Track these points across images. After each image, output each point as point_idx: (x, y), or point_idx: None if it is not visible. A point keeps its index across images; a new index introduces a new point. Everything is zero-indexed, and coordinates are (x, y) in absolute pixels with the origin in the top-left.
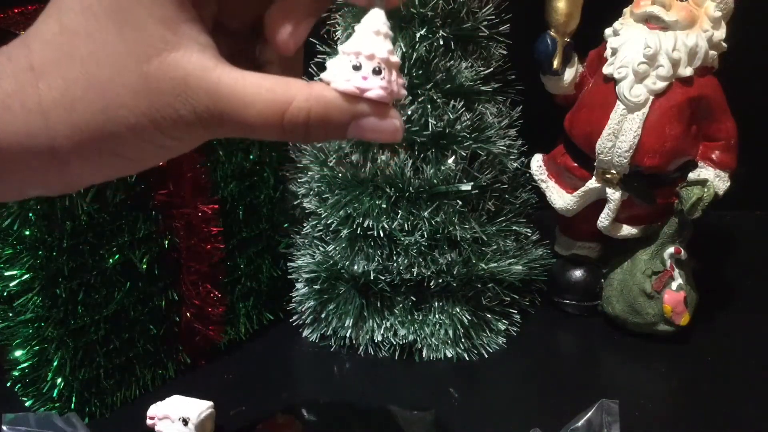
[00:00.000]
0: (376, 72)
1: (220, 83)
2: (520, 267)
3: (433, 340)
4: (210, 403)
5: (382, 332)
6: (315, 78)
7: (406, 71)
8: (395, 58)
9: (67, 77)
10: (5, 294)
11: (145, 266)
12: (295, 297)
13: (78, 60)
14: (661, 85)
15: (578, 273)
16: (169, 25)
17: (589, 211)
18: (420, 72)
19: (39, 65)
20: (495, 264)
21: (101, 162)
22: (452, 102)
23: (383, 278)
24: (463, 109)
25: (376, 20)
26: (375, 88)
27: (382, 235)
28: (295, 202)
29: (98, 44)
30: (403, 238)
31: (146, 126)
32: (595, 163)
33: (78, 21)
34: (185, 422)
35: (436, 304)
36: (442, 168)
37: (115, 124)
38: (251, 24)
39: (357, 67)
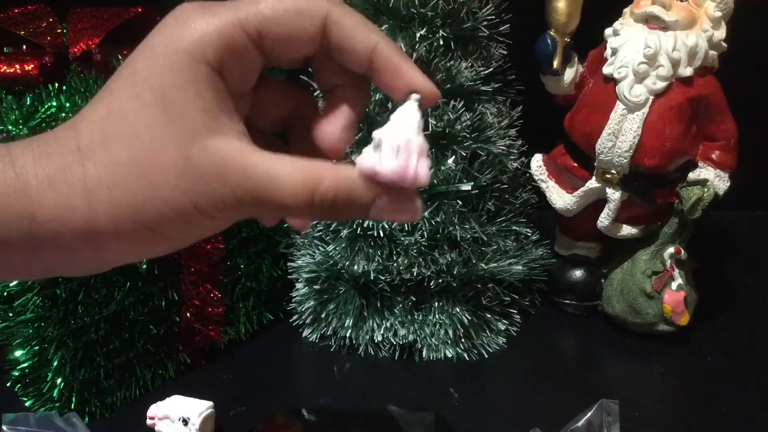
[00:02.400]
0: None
1: (257, 166)
2: (520, 267)
3: (433, 340)
4: (210, 403)
5: (382, 332)
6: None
7: None
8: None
9: (113, 156)
10: (5, 294)
11: (145, 266)
12: (295, 297)
13: (125, 142)
14: (661, 85)
15: (578, 273)
16: (210, 114)
17: (589, 211)
18: None
19: (86, 145)
20: (495, 264)
21: (137, 239)
22: (452, 102)
23: (383, 278)
24: (463, 109)
25: (415, 112)
26: (423, 172)
27: (382, 235)
28: None
29: (144, 128)
30: (403, 238)
31: (186, 205)
32: (595, 163)
33: (126, 107)
34: (185, 422)
35: (436, 304)
36: (442, 168)
37: (156, 201)
38: (279, 127)
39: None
